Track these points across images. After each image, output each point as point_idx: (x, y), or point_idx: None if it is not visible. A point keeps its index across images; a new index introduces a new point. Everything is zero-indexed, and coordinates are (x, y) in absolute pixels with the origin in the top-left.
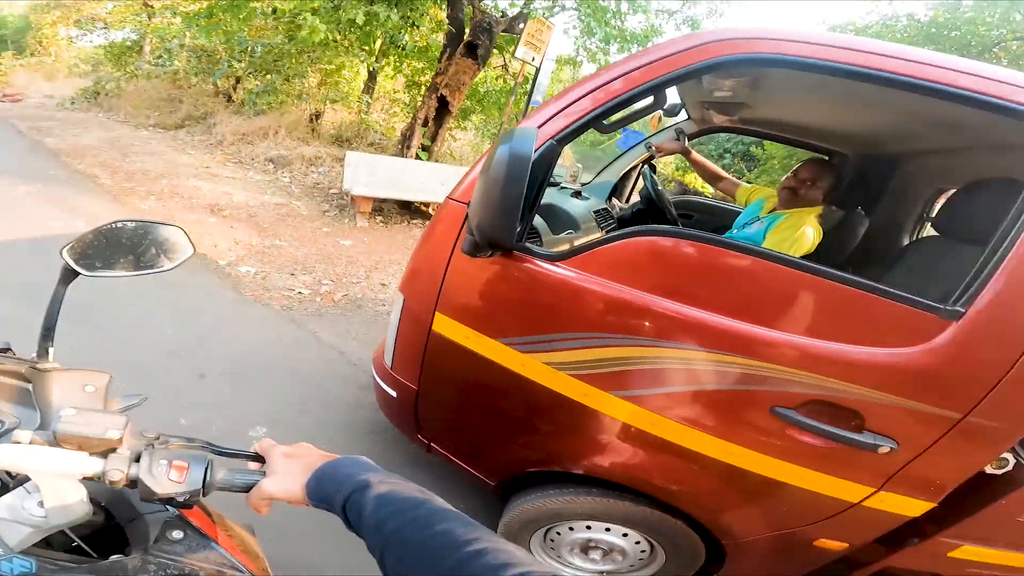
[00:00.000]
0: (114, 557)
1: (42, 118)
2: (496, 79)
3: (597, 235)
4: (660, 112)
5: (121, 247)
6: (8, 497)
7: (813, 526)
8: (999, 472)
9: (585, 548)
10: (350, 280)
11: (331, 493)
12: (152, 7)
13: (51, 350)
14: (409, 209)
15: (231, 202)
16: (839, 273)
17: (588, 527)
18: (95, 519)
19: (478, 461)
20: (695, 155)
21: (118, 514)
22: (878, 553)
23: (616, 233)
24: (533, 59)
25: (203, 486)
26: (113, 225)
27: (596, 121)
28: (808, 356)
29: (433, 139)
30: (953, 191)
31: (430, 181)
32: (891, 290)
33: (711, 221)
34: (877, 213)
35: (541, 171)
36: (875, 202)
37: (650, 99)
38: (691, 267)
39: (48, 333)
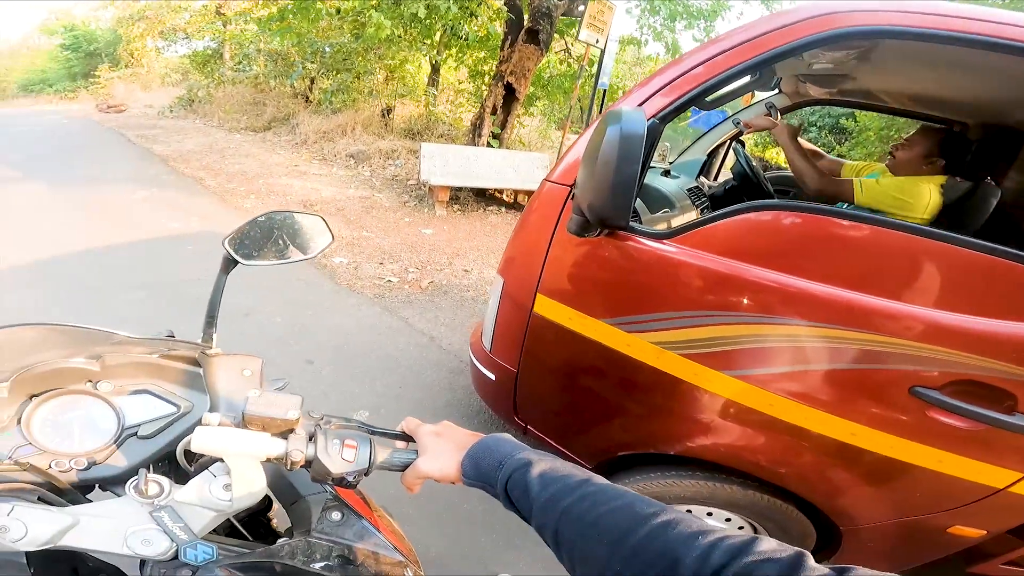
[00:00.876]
0: (281, 540)
1: (146, 127)
2: (559, 64)
3: (692, 213)
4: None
5: (271, 237)
6: (196, 481)
7: (948, 512)
8: None
9: None
10: (434, 267)
11: (489, 472)
12: (226, 15)
13: (215, 336)
14: (484, 196)
15: (320, 197)
16: (978, 241)
17: (688, 511)
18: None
19: (576, 443)
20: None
21: (280, 496)
22: (1012, 542)
23: (729, 209)
24: (597, 41)
25: (369, 465)
26: (265, 217)
27: (698, 99)
28: (954, 333)
29: (503, 127)
30: None
31: (502, 168)
32: None
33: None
34: (1008, 185)
35: (645, 151)
36: (1004, 173)
37: (751, 76)
38: (814, 241)
39: (212, 320)
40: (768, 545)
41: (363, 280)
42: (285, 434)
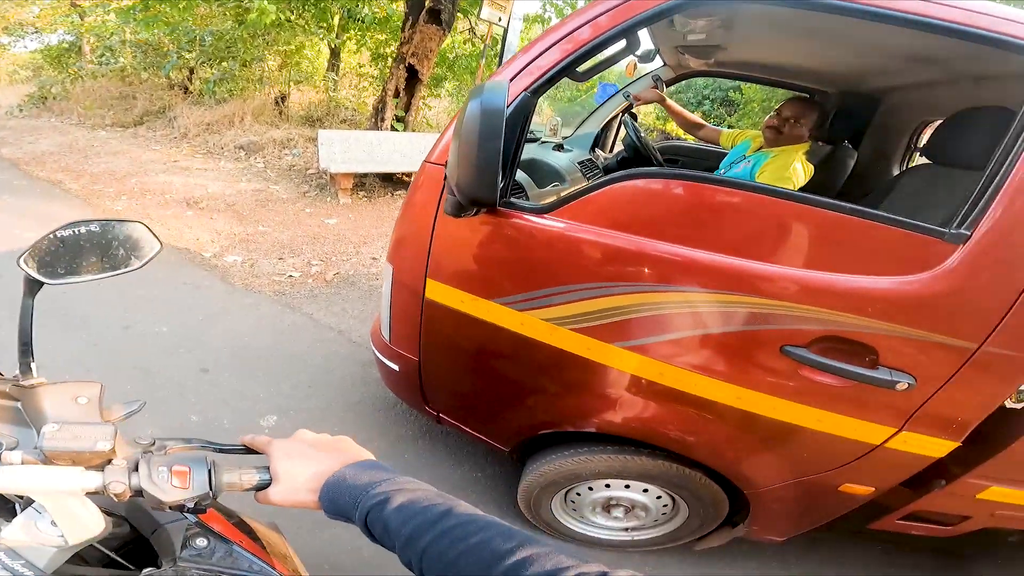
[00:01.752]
0: (147, 571)
1: None
2: (464, 43)
3: (582, 185)
4: (635, 59)
5: (82, 250)
6: (20, 519)
7: (836, 471)
8: (1020, 407)
9: (607, 506)
10: (340, 258)
11: (347, 509)
12: (81, 6)
13: (34, 365)
14: (391, 181)
15: (207, 193)
16: (835, 202)
17: (607, 485)
18: (121, 531)
19: (489, 428)
20: (672, 103)
21: (139, 525)
22: (905, 497)
23: (603, 179)
24: (500, 19)
25: (211, 489)
26: (69, 229)
27: (568, 70)
28: (814, 289)
29: (407, 109)
30: (940, 121)
31: (409, 151)
32: (891, 216)
33: (697, 165)
34: (864, 148)
35: (518, 125)
36: (860, 137)
37: (621, 45)
38: (684, 207)
39: (26, 348)
40: None
41: (261, 278)
42: (102, 466)
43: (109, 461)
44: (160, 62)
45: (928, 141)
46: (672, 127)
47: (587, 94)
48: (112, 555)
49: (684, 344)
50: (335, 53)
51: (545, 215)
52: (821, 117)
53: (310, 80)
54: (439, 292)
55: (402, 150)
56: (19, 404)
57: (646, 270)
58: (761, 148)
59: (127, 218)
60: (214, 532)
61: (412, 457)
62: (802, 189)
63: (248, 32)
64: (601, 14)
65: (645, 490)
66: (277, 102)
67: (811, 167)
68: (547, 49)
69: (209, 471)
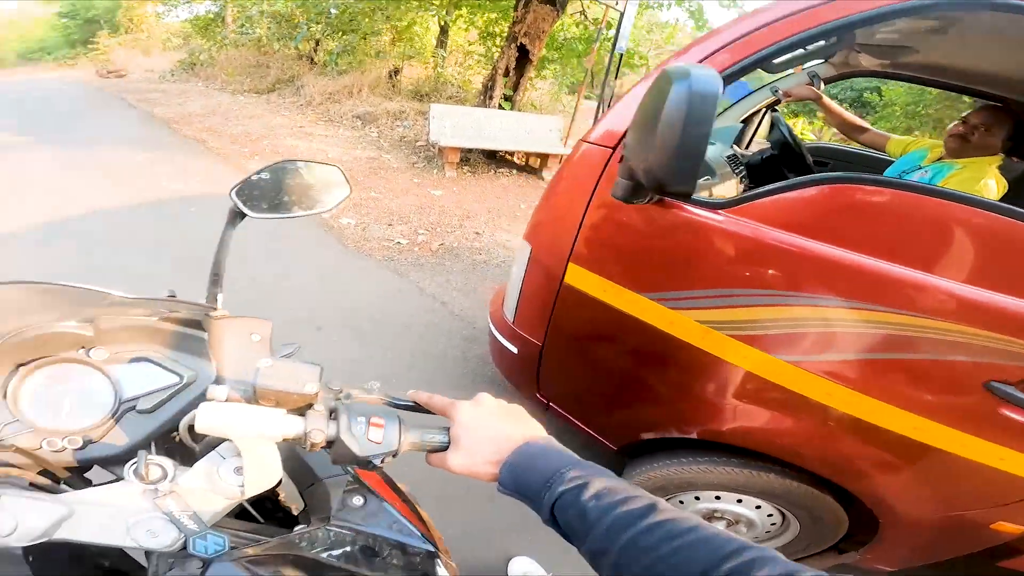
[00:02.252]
0: (299, 528)
1: (147, 91)
2: (575, 26)
3: (732, 181)
4: None
5: (282, 188)
6: (202, 464)
7: (996, 508)
8: None
9: (708, 518)
10: (444, 229)
11: (533, 488)
12: None
13: (220, 296)
14: (494, 158)
15: (327, 157)
16: None
17: (717, 497)
18: None
19: (603, 424)
20: (830, 102)
21: (295, 478)
22: None
23: (800, 179)
24: (616, 2)
25: (397, 447)
26: (277, 165)
27: (767, 59)
28: None
29: (515, 89)
30: None
31: (515, 130)
32: None
33: (850, 169)
34: None
35: None
36: None
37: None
38: (896, 219)
39: (217, 279)
40: None
41: (372, 242)
42: (302, 410)
43: (310, 406)
44: (291, 33)
45: None
46: (797, 125)
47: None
48: (248, 507)
49: (867, 367)
50: (443, 30)
51: (722, 211)
52: (1017, 128)
53: (420, 56)
54: (580, 278)
55: (508, 128)
56: (206, 336)
57: (838, 284)
58: (942, 158)
59: (325, 161)
60: (372, 491)
61: None
62: None
63: (370, 6)
64: (822, 3)
65: (758, 506)
66: (391, 76)
67: (1005, 183)
68: (750, 32)
69: (399, 427)
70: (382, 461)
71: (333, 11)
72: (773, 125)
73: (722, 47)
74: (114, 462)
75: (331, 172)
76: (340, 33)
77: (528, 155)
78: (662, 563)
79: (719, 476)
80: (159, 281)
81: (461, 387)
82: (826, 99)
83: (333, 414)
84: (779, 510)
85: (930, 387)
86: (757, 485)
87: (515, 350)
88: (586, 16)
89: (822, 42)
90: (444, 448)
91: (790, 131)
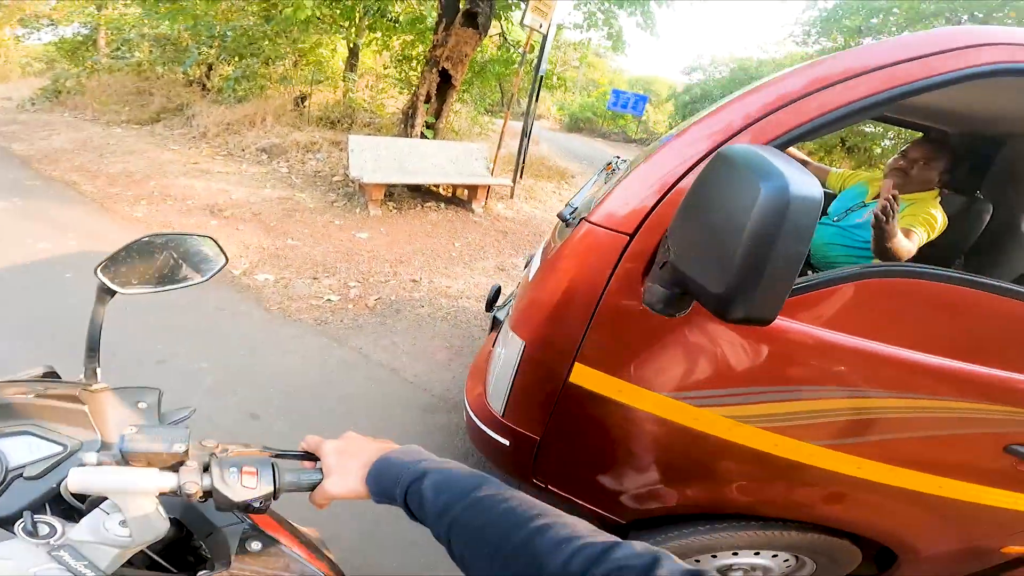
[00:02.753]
0: (202, 574)
1: (3, 123)
2: (498, 49)
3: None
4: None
5: (153, 262)
6: (88, 519)
7: (1009, 536)
8: None
9: (726, 571)
10: (378, 279)
11: (390, 487)
12: None
13: (98, 370)
14: (420, 191)
15: (231, 200)
16: None
17: (735, 553)
18: (169, 534)
19: (610, 503)
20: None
21: (194, 528)
22: None
23: (835, 274)
24: (541, 25)
25: (274, 489)
26: (144, 240)
27: (848, 121)
28: None
29: (437, 116)
30: None
31: (440, 160)
32: None
33: None
34: (986, 197)
35: None
36: (983, 185)
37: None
38: (926, 309)
39: (93, 354)
40: (625, 551)
41: (298, 301)
42: (176, 467)
43: (182, 463)
44: (179, 57)
45: None
46: None
47: (599, 99)
48: (156, 557)
49: (894, 445)
50: (353, 53)
51: None
52: (952, 162)
53: (329, 80)
54: (589, 378)
55: (433, 159)
56: (86, 408)
57: (870, 375)
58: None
59: (197, 232)
60: (268, 535)
61: None
62: (931, 243)
63: (274, 29)
64: (933, 54)
65: (774, 555)
66: (297, 102)
67: (946, 218)
68: (807, 96)
69: (274, 471)
70: (262, 504)
71: (229, 33)
72: None
73: (787, 103)
74: (6, 523)
75: (203, 243)
76: (237, 57)
77: (455, 187)
78: (478, 534)
79: (740, 539)
80: (43, 359)
81: None
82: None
83: (208, 468)
84: (795, 556)
85: (958, 455)
86: (779, 542)
87: (506, 443)
88: (506, 39)
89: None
90: (320, 482)
91: None
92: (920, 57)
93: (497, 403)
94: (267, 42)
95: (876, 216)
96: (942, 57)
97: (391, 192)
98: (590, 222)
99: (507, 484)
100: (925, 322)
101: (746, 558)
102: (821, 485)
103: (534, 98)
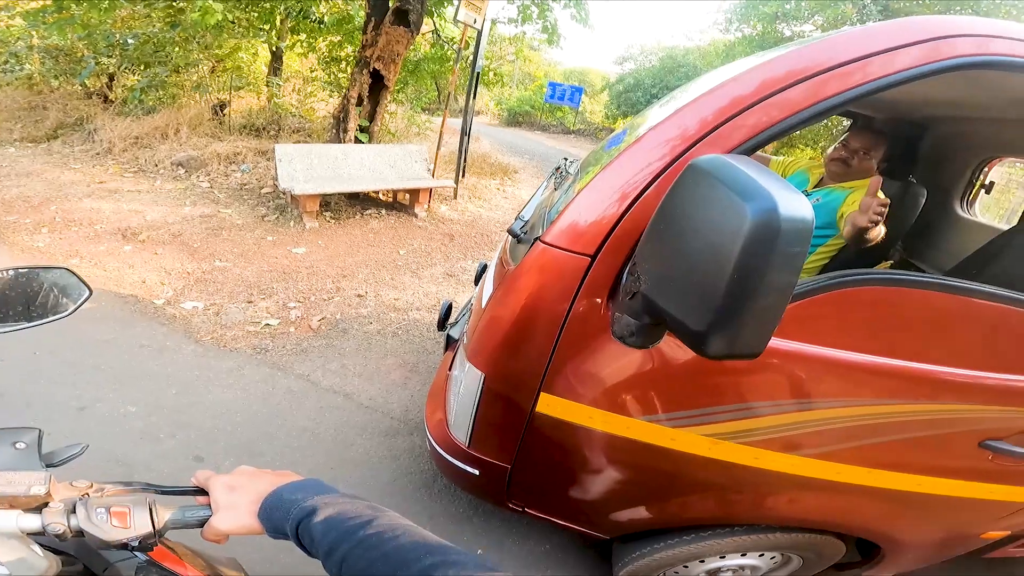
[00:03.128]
0: None
1: None
2: (432, 46)
3: None
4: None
5: (7, 298)
6: None
7: (988, 523)
8: None
9: (714, 573)
10: (320, 297)
11: (281, 523)
12: None
13: None
14: (359, 198)
15: (145, 222)
16: None
17: (722, 556)
18: (75, 569)
19: (591, 521)
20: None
21: (90, 564)
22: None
23: (813, 284)
24: (475, 21)
25: (154, 527)
26: None
27: (813, 121)
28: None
29: (371, 118)
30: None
31: (378, 165)
32: None
33: None
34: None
35: None
36: (915, 171)
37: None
38: (906, 316)
39: None
40: None
41: (232, 329)
42: (40, 508)
43: (46, 504)
44: (75, 68)
45: None
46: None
47: (536, 93)
48: None
49: (876, 449)
50: (276, 56)
51: None
52: (890, 149)
53: (251, 86)
54: (557, 407)
55: (370, 164)
56: None
57: (847, 386)
58: (821, 182)
59: (50, 264)
60: (165, 569)
61: (472, 537)
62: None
63: (182, 35)
64: (902, 47)
65: (761, 555)
66: (216, 111)
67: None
68: (787, 87)
69: (150, 510)
70: (143, 543)
71: (130, 41)
72: None
73: (747, 106)
74: None
75: (61, 275)
76: (143, 66)
77: (395, 191)
78: (365, 573)
79: (726, 545)
80: None
81: (400, 493)
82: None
83: (75, 508)
84: (781, 554)
85: (935, 455)
86: (764, 544)
87: (476, 472)
88: (439, 35)
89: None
90: (208, 518)
91: None
92: (890, 50)
93: (461, 434)
94: (176, 49)
95: (870, 220)
96: (913, 50)
97: (327, 202)
98: (545, 243)
99: (404, 516)
100: (898, 329)
101: (734, 560)
102: (803, 492)
103: (472, 95)
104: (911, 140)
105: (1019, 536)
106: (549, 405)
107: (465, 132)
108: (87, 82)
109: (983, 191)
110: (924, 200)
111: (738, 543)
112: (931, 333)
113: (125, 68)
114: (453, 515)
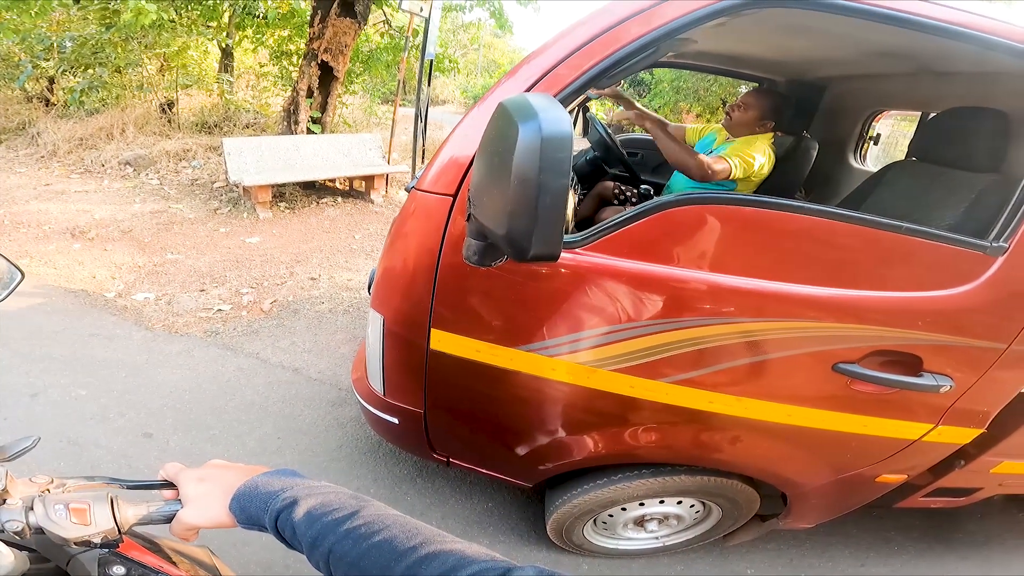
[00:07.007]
0: None
1: None
2: (381, 36)
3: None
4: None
5: None
6: None
7: (876, 465)
8: None
9: (640, 521)
10: (273, 282)
11: (258, 514)
12: None
13: None
14: (314, 188)
15: (94, 220)
16: (878, 219)
17: (641, 504)
18: (47, 566)
19: (511, 468)
20: (630, 98)
21: (53, 557)
22: (930, 478)
23: (642, 208)
24: (421, 9)
25: (116, 523)
26: None
27: (601, 78)
28: (868, 309)
29: (323, 110)
30: (922, 116)
31: (330, 154)
32: (938, 232)
33: (657, 157)
34: (813, 136)
35: None
36: (810, 126)
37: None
38: (738, 234)
39: None
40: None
41: (184, 316)
42: None
43: (3, 501)
44: (12, 73)
45: (916, 138)
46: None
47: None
48: None
49: (737, 373)
50: (227, 53)
51: (579, 250)
52: (776, 106)
53: (202, 83)
54: (447, 342)
55: (323, 154)
56: None
57: (699, 304)
58: (728, 139)
59: None
60: (130, 560)
61: (415, 498)
62: (766, 181)
63: (120, 35)
64: (644, 10)
65: (679, 502)
66: (164, 109)
67: (772, 157)
68: (575, 52)
69: (112, 505)
70: (106, 539)
71: (68, 44)
72: (588, 125)
73: (549, 69)
74: None
75: None
76: (83, 67)
77: (351, 179)
78: (355, 567)
79: (636, 489)
80: None
81: (343, 457)
82: (625, 95)
83: (33, 505)
84: (700, 501)
85: (795, 379)
86: (672, 488)
87: (396, 421)
88: (390, 25)
89: (648, 53)
90: (176, 512)
91: (606, 129)
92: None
93: (376, 383)
94: (117, 49)
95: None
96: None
97: (281, 192)
98: (420, 190)
99: (389, 506)
100: (735, 246)
101: (654, 507)
102: (683, 424)
103: (424, 83)
104: (808, 100)
105: (922, 485)
106: (441, 341)
107: (420, 118)
108: (27, 86)
109: (872, 143)
110: (816, 152)
111: (648, 486)
112: (766, 250)
113: (64, 71)
114: (398, 476)
